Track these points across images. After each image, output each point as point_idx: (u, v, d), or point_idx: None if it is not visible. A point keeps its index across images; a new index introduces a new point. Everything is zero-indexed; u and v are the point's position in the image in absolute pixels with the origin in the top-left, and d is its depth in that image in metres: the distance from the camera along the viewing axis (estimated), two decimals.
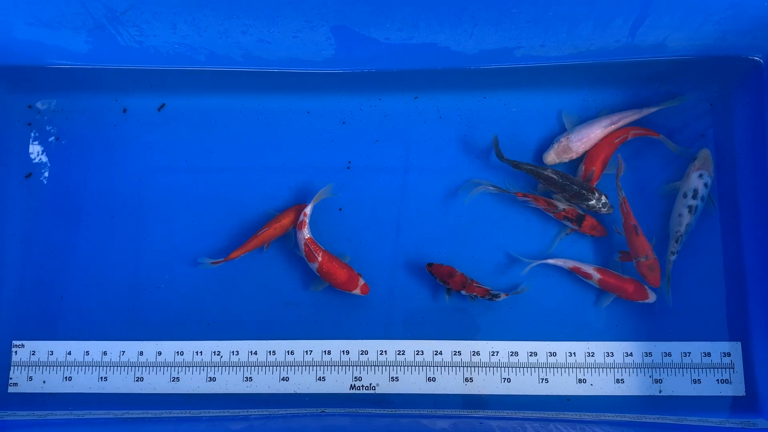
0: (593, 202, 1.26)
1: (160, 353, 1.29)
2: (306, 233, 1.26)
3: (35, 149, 1.35)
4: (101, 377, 1.29)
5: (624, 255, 1.27)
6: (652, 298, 1.25)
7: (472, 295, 1.26)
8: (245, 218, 1.32)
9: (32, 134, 1.35)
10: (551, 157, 1.28)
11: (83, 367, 1.29)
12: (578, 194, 1.26)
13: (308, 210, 1.26)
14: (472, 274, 1.27)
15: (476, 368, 1.27)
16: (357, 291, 1.27)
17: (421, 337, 1.28)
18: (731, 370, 1.25)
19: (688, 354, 1.26)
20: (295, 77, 1.32)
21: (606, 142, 1.28)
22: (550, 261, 1.27)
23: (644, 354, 1.26)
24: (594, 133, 1.28)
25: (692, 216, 1.24)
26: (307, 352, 1.28)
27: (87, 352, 1.29)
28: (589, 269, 1.26)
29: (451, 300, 1.28)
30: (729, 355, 1.26)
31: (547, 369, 1.27)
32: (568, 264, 1.27)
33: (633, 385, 1.25)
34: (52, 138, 1.35)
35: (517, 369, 1.27)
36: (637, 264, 1.24)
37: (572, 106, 1.32)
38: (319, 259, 1.25)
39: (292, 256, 1.30)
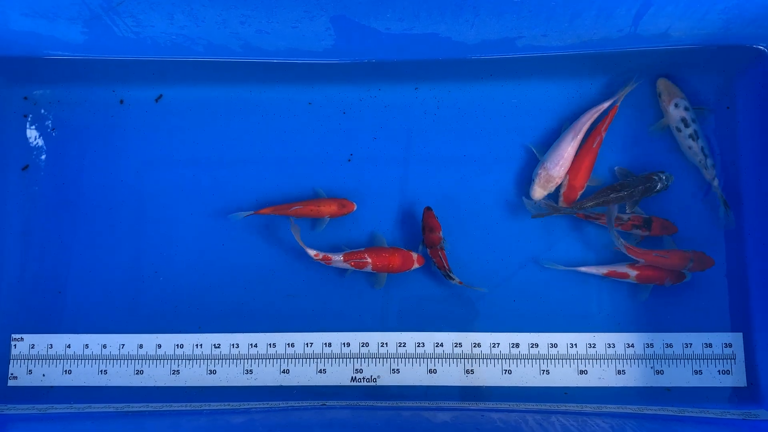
0: (660, 185, 1.25)
1: (159, 346, 1.29)
2: (337, 258, 1.25)
3: (32, 141, 1.34)
4: (101, 370, 1.29)
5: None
6: (688, 276, 1.25)
7: (433, 260, 1.26)
8: (245, 208, 1.31)
9: (29, 126, 1.34)
10: (539, 192, 1.26)
11: (83, 360, 1.29)
12: (645, 190, 1.25)
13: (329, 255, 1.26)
14: (469, 268, 1.28)
15: (477, 360, 1.27)
16: (415, 265, 1.26)
17: (421, 328, 1.28)
18: (732, 361, 1.25)
19: (689, 345, 1.26)
20: (294, 68, 1.31)
21: (584, 152, 1.26)
22: (582, 269, 1.26)
23: (646, 345, 1.26)
24: (566, 152, 1.26)
25: (700, 140, 1.25)
26: (307, 344, 1.28)
27: (86, 345, 1.29)
28: (623, 268, 1.25)
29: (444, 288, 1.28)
30: (730, 346, 1.26)
31: (549, 360, 1.26)
32: (602, 270, 1.26)
33: (634, 376, 1.25)
34: (49, 129, 1.34)
35: (519, 360, 1.27)
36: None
37: (574, 96, 1.31)
38: (369, 260, 1.25)
39: (293, 248, 1.30)
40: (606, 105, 1.27)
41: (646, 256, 1.23)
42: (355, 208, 1.28)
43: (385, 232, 1.30)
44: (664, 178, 1.26)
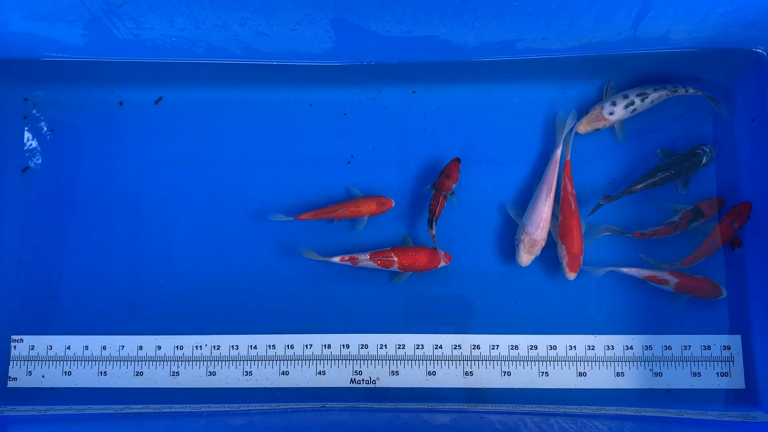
0: (705, 158, 1.25)
1: (159, 347, 1.29)
2: (363, 258, 1.25)
3: (31, 143, 1.34)
4: (101, 372, 1.29)
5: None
6: (724, 293, 1.25)
7: (430, 202, 1.26)
8: (245, 211, 1.31)
9: (28, 127, 1.34)
10: (525, 258, 1.25)
11: (82, 362, 1.29)
12: (691, 165, 1.24)
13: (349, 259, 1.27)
14: (468, 269, 1.28)
15: (476, 362, 1.27)
16: (442, 263, 1.26)
17: (421, 329, 1.28)
18: (731, 363, 1.26)
19: (688, 347, 1.26)
20: (294, 70, 1.31)
21: (568, 216, 1.25)
22: (623, 270, 1.26)
23: (644, 347, 1.26)
24: (543, 213, 1.24)
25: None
26: (307, 346, 1.28)
27: (86, 346, 1.29)
28: (665, 275, 1.25)
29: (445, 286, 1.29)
30: (729, 348, 1.26)
31: (548, 362, 1.27)
32: (643, 273, 1.25)
33: (633, 379, 1.26)
34: (49, 131, 1.34)
35: (518, 362, 1.27)
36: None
37: (573, 98, 1.31)
38: (395, 259, 1.25)
39: (292, 250, 1.30)
40: (565, 149, 1.27)
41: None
42: (393, 205, 1.28)
43: (385, 233, 1.30)
44: (708, 150, 1.25)
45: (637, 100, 1.25)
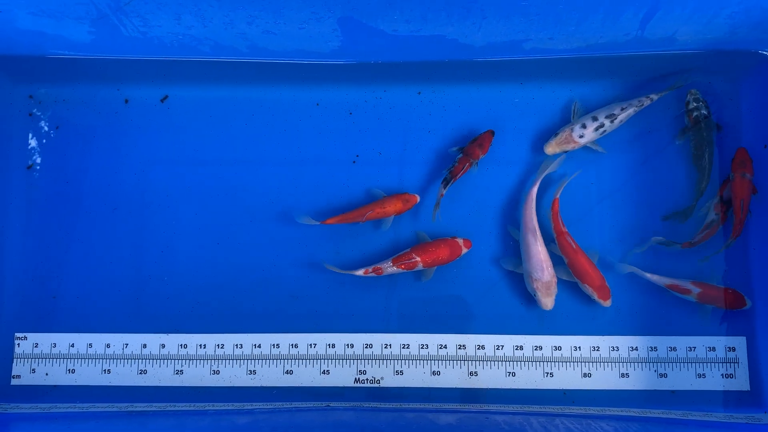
0: (705, 110, 1.26)
1: (163, 346, 1.29)
2: (387, 265, 1.25)
3: (36, 140, 1.34)
4: (104, 369, 1.29)
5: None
6: (749, 304, 1.25)
7: (454, 163, 1.27)
8: (249, 210, 1.31)
9: (33, 125, 1.34)
10: (549, 302, 1.24)
11: (86, 360, 1.29)
12: (707, 128, 1.25)
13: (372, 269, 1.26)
14: (473, 269, 1.28)
15: (481, 362, 1.27)
16: (464, 251, 1.26)
17: (425, 329, 1.28)
18: (736, 364, 1.26)
19: (693, 348, 1.26)
20: (300, 68, 1.31)
21: (573, 256, 1.24)
22: (647, 275, 1.25)
23: (649, 348, 1.26)
24: (540, 254, 1.24)
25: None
26: (311, 345, 1.28)
27: (90, 344, 1.29)
28: (687, 285, 1.24)
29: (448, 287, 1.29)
30: (734, 349, 1.26)
31: (552, 363, 1.27)
32: (664, 282, 1.25)
33: (638, 380, 1.26)
34: (53, 128, 1.34)
35: (522, 363, 1.27)
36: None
37: (580, 98, 1.31)
38: (418, 259, 1.24)
39: (296, 249, 1.30)
40: (534, 190, 1.26)
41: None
42: (418, 200, 1.28)
43: (390, 232, 1.30)
44: (693, 99, 1.26)
45: (607, 122, 1.26)
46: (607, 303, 1.24)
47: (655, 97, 1.28)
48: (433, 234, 1.29)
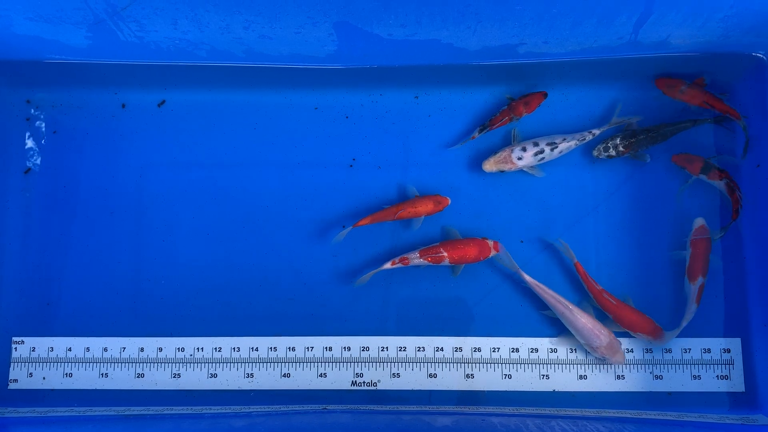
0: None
1: (160, 349, 1.29)
2: (414, 257, 1.25)
3: (34, 144, 1.34)
4: (102, 373, 1.29)
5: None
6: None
7: (498, 115, 1.28)
8: (247, 214, 1.31)
9: (30, 129, 1.34)
10: (620, 356, 1.24)
11: (84, 364, 1.29)
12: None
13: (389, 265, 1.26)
14: (470, 272, 1.28)
15: (477, 364, 1.27)
16: (492, 252, 1.26)
17: (422, 331, 1.28)
18: (731, 366, 1.26)
19: (688, 350, 1.26)
20: (296, 73, 1.32)
21: (612, 310, 1.24)
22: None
23: (644, 350, 1.26)
24: (588, 322, 1.23)
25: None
26: (308, 348, 1.28)
27: (87, 348, 1.29)
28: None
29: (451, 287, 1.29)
30: (729, 351, 1.26)
31: (548, 365, 1.27)
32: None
33: (633, 381, 1.26)
34: (51, 133, 1.34)
35: (518, 365, 1.27)
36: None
37: (573, 101, 1.32)
38: (445, 254, 1.25)
39: (293, 252, 1.30)
40: (528, 278, 1.26)
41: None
42: (449, 203, 1.28)
43: (387, 236, 1.30)
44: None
45: (547, 149, 1.26)
46: (664, 341, 1.24)
47: (596, 132, 1.28)
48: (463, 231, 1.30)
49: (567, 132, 1.29)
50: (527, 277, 1.26)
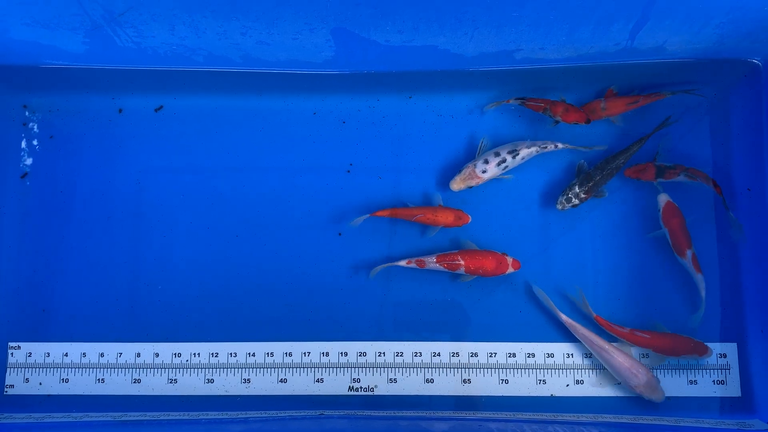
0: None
1: (157, 355, 1.29)
2: (430, 261, 1.25)
3: (30, 149, 1.34)
4: (98, 379, 1.29)
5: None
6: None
7: (547, 106, 1.28)
8: (243, 219, 1.31)
9: (27, 134, 1.34)
10: (660, 393, 1.23)
11: (80, 369, 1.29)
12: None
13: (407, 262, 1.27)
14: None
15: (474, 369, 1.27)
16: (510, 269, 1.26)
17: (418, 336, 1.28)
18: (727, 371, 1.26)
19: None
20: (293, 78, 1.32)
21: (645, 344, 1.25)
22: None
23: (641, 355, 1.26)
24: (624, 362, 1.22)
25: None
26: (305, 353, 1.28)
27: (84, 353, 1.29)
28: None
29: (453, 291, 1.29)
30: (725, 356, 1.27)
31: (545, 370, 1.27)
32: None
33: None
34: (48, 138, 1.34)
35: (515, 370, 1.27)
36: None
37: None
38: (462, 262, 1.25)
39: (291, 257, 1.30)
40: (564, 317, 1.26)
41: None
42: (469, 221, 1.28)
43: (383, 242, 1.30)
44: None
45: (509, 158, 1.27)
46: (710, 353, 1.25)
47: (560, 145, 1.29)
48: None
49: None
50: (563, 317, 1.26)
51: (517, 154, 1.27)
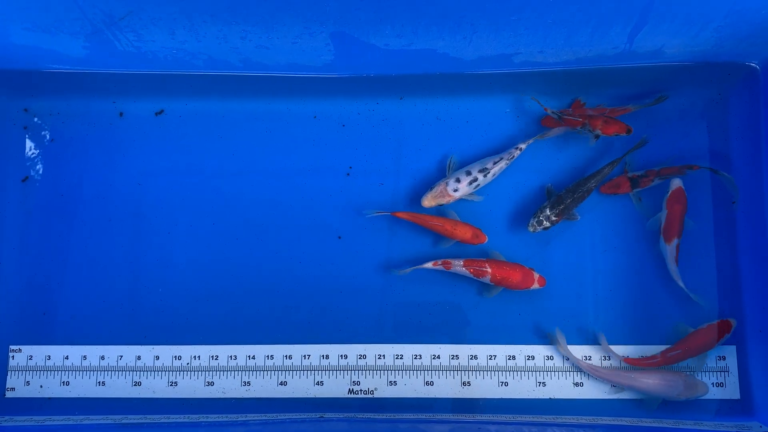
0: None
1: (157, 357, 1.29)
2: (457, 263, 1.25)
3: (31, 153, 1.34)
4: (99, 381, 1.29)
5: None
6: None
7: (569, 113, 1.28)
8: (244, 222, 1.32)
9: (28, 138, 1.35)
10: (701, 389, 1.24)
11: (81, 372, 1.29)
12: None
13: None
14: (466, 280, 1.28)
15: (474, 372, 1.28)
16: (535, 285, 1.26)
17: (417, 339, 1.28)
18: (726, 373, 1.26)
19: None
20: (293, 82, 1.32)
21: (681, 355, 1.25)
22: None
23: (641, 358, 1.27)
24: (657, 381, 1.23)
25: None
26: (305, 356, 1.29)
27: (84, 356, 1.29)
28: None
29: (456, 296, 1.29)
30: (724, 358, 1.27)
31: (545, 372, 1.27)
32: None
33: (630, 389, 1.26)
34: (49, 141, 1.34)
35: (515, 372, 1.28)
36: None
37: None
38: (489, 270, 1.25)
39: (290, 259, 1.31)
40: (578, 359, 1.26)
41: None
42: (485, 241, 1.28)
43: (383, 245, 1.31)
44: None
45: (480, 176, 1.27)
46: (734, 324, 1.24)
47: (523, 146, 1.29)
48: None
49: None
50: (584, 365, 1.26)
51: (488, 172, 1.27)
